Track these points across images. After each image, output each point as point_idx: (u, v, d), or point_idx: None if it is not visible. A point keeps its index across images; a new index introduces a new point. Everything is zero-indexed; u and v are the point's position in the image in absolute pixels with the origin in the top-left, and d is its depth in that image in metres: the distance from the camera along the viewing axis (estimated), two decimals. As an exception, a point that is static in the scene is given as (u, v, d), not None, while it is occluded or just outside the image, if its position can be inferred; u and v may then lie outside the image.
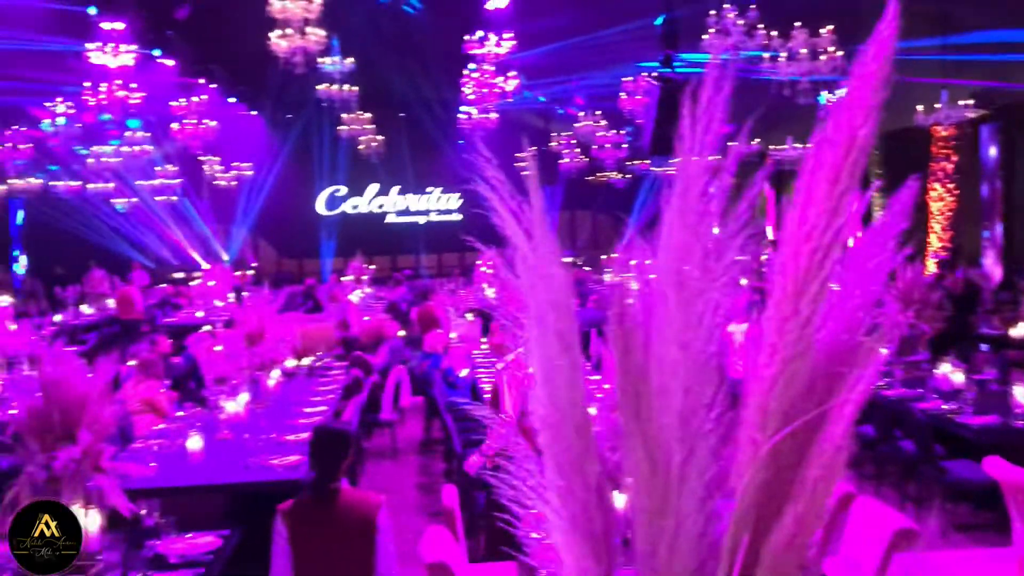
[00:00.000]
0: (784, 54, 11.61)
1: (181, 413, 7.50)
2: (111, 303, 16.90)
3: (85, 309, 16.90)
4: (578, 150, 19.87)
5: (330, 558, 3.67)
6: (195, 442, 6.20)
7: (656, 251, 1.10)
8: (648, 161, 21.57)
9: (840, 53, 11.64)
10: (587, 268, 19.97)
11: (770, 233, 13.26)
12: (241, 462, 6.01)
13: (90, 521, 4.22)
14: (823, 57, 11.73)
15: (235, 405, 7.29)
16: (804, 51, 11.59)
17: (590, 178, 23.32)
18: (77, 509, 4.18)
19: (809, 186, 1.09)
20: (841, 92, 1.14)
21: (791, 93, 11.98)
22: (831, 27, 11.77)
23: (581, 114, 18.06)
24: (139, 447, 6.36)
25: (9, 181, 18.92)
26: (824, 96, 12.44)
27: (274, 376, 8.28)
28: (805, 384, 1.04)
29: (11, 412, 7.78)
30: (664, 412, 0.99)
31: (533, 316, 1.10)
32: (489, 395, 5.86)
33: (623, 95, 14.97)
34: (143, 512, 4.44)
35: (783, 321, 1.05)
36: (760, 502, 0.98)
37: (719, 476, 1.01)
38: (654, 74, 11.77)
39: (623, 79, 14.96)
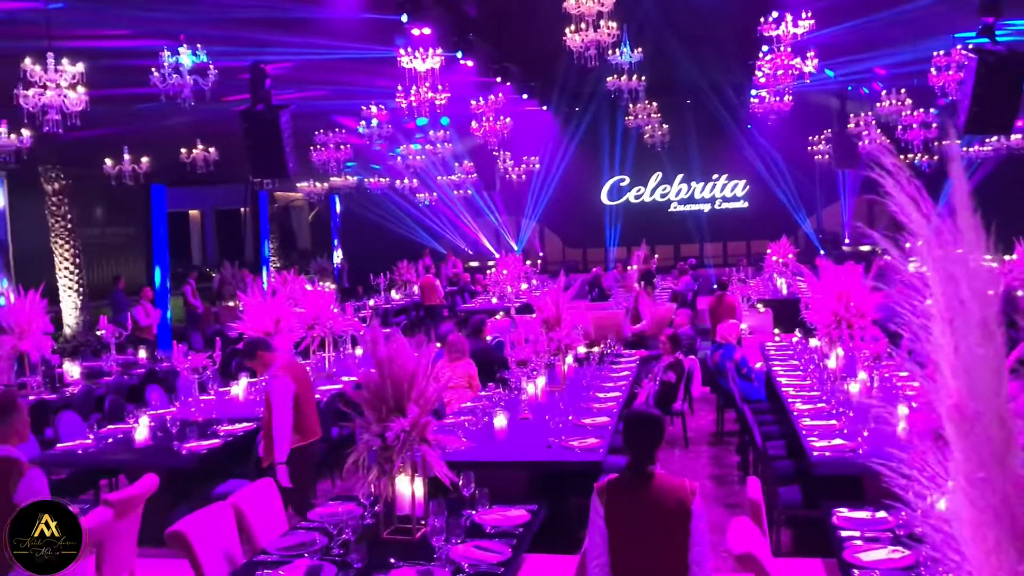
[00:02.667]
0: None
1: (485, 392, 7.96)
2: (416, 289, 18.31)
3: (394, 295, 18.42)
4: (879, 131, 18.60)
5: (645, 539, 3.75)
6: (500, 420, 6.56)
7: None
8: (959, 141, 19.75)
9: None
10: (888, 257, 18.68)
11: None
12: (542, 442, 6.28)
13: (417, 488, 4.63)
14: None
15: (534, 387, 7.63)
16: None
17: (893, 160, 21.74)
18: (403, 477, 4.61)
19: None
20: None
21: None
22: None
23: (883, 93, 16.89)
24: (450, 422, 6.81)
25: (331, 179, 20.97)
26: None
27: (567, 361, 8.55)
28: None
29: (341, 382, 8.69)
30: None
31: (949, 305, 1.05)
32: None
33: (933, 71, 13.81)
34: (460, 483, 4.77)
35: None
36: None
37: None
38: (971, 46, 10.71)
39: (933, 53, 13.79)
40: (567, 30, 11.23)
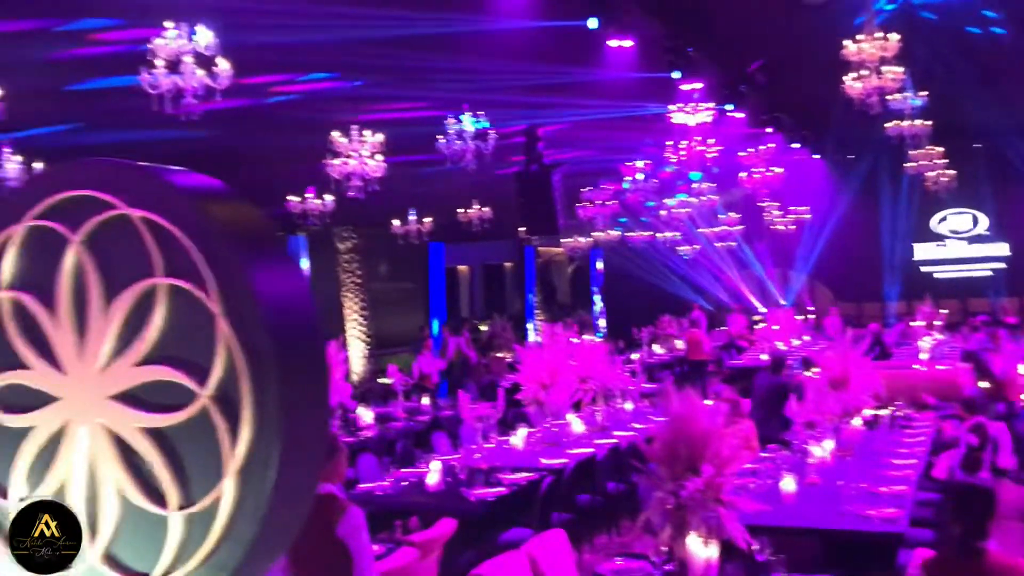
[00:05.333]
0: None
1: (765, 454, 7.67)
2: (680, 344, 18.10)
3: (657, 349, 18.33)
4: None
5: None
6: (788, 484, 6.29)
7: None
8: None
9: None
10: None
11: None
12: (834, 509, 5.95)
13: (711, 550, 4.53)
14: None
15: (821, 451, 7.25)
16: None
17: None
18: (694, 537, 4.53)
19: None
20: None
21: None
22: None
23: None
24: (735, 483, 6.60)
25: (594, 234, 21.41)
26: None
27: (855, 424, 8.08)
28: None
29: (615, 436, 8.73)
30: None
31: None
32: None
33: None
34: (755, 547, 4.62)
35: None
36: None
37: None
38: None
39: None
40: (846, 78, 10.83)
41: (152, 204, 1.81)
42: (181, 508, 1.79)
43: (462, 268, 34.75)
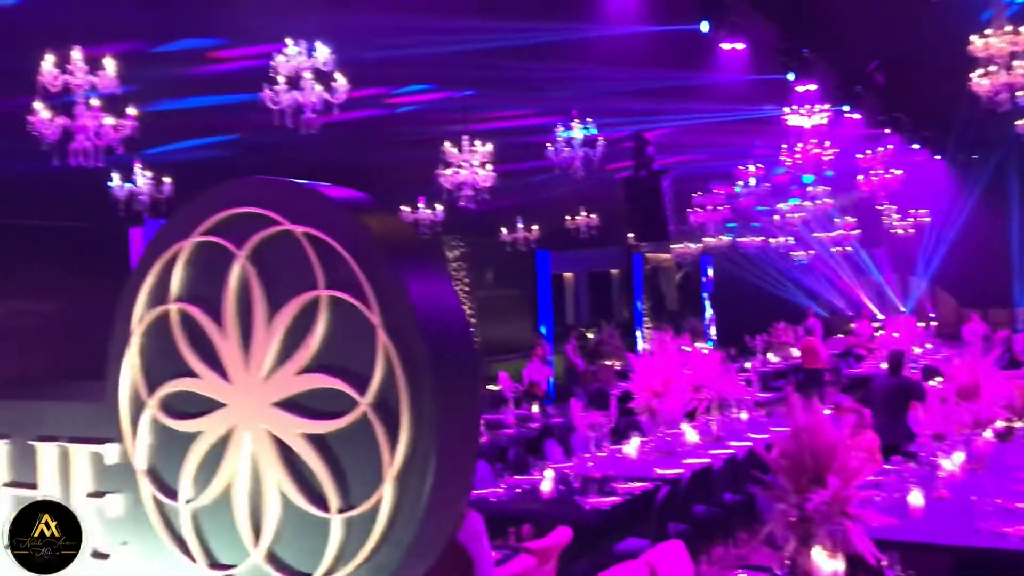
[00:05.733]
0: None
1: (888, 466, 7.41)
2: (795, 352, 17.65)
3: (771, 357, 17.91)
4: None
5: None
6: (916, 498, 6.07)
7: None
8: None
9: None
10: None
11: None
12: (966, 525, 5.72)
13: (837, 564, 4.42)
14: None
15: (951, 464, 6.97)
16: None
17: None
18: (819, 551, 4.42)
19: None
20: None
21: None
22: None
23: None
24: (862, 496, 6.41)
25: (704, 239, 21.10)
26: None
27: (986, 436, 7.72)
28: None
29: (730, 446, 8.57)
30: None
31: None
32: None
33: None
34: (884, 562, 4.48)
35: None
36: None
37: None
38: None
39: None
40: (973, 75, 10.40)
41: (313, 219, 1.89)
42: (341, 512, 1.87)
43: (567, 275, 34.72)
